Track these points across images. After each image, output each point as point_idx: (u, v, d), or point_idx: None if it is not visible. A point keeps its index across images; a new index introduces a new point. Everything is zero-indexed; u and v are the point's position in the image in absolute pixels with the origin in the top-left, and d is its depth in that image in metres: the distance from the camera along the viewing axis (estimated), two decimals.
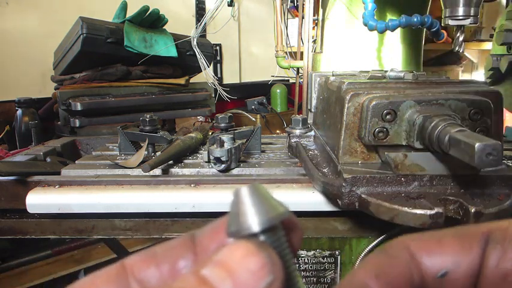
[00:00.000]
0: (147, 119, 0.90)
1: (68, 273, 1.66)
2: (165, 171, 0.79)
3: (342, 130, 0.61)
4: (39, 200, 0.69)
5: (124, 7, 1.43)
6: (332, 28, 1.10)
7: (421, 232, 0.25)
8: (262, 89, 2.21)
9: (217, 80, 1.61)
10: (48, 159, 0.91)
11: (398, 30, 1.03)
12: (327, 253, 0.75)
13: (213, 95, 1.52)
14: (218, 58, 2.47)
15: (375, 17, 0.89)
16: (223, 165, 0.76)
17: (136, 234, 0.74)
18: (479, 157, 0.42)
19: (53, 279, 1.61)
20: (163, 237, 0.75)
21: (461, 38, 0.86)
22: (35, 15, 1.81)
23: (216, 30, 1.53)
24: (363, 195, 0.56)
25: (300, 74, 1.26)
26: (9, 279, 1.57)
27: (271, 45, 1.29)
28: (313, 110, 0.88)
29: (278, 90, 2.13)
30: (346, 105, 0.60)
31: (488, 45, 2.46)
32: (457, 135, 0.47)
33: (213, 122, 0.94)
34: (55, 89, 1.36)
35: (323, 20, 1.13)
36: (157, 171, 0.78)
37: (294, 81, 1.42)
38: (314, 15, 1.13)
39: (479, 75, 2.90)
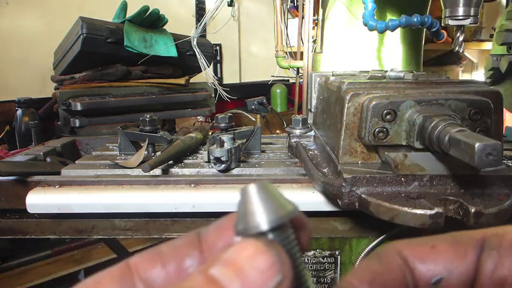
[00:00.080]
0: (147, 119, 0.90)
1: (68, 273, 1.66)
2: (165, 171, 0.79)
3: (342, 130, 0.61)
4: (39, 200, 0.69)
5: (124, 7, 1.43)
6: (332, 28, 1.10)
7: (414, 238, 0.25)
8: (262, 89, 2.21)
9: (217, 80, 1.61)
10: (48, 159, 0.91)
11: (398, 30, 1.03)
12: (327, 253, 0.75)
13: (213, 95, 1.53)
14: (218, 58, 2.48)
15: (375, 17, 0.89)
16: (223, 165, 0.76)
17: (136, 234, 0.74)
18: (479, 157, 0.42)
19: (53, 279, 1.61)
20: (163, 237, 0.75)
21: (461, 38, 0.86)
22: (35, 15, 1.81)
23: (216, 30, 1.53)
24: (363, 195, 0.56)
25: (300, 74, 1.26)
26: (9, 279, 1.57)
27: (271, 45, 1.29)
28: (313, 110, 0.88)
29: (278, 90, 2.13)
30: (346, 105, 0.60)
31: (488, 45, 2.46)
32: (457, 135, 0.47)
33: (213, 122, 0.94)
34: (55, 89, 1.36)
35: (323, 20, 1.13)
36: (157, 171, 0.78)
37: (294, 81, 1.42)
38: (314, 15, 1.13)
39: (479, 75, 2.90)
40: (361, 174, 0.57)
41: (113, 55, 1.31)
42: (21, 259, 1.63)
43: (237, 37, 2.58)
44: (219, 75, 2.49)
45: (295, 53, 1.30)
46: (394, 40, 1.06)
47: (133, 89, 1.36)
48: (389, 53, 1.07)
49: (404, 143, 0.58)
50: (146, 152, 0.87)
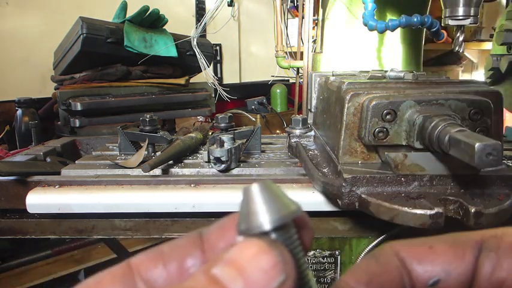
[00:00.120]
0: (147, 119, 0.90)
1: (68, 273, 1.66)
2: (165, 171, 0.79)
3: (342, 130, 0.61)
4: (39, 200, 0.69)
5: (124, 7, 1.43)
6: (332, 28, 1.10)
7: (412, 238, 0.25)
8: (262, 89, 2.21)
9: (217, 80, 1.61)
10: (48, 159, 0.91)
11: (398, 30, 1.03)
12: (327, 253, 0.75)
13: (213, 95, 1.53)
14: (218, 58, 2.47)
15: (375, 17, 0.89)
16: (223, 165, 0.76)
17: (136, 234, 0.74)
18: (479, 157, 0.42)
19: (53, 279, 1.61)
20: (163, 237, 0.75)
21: (461, 38, 0.86)
22: (35, 15, 1.81)
23: (216, 30, 1.53)
24: (363, 195, 0.56)
25: (300, 74, 1.26)
26: (9, 279, 1.57)
27: (271, 45, 1.29)
28: (313, 110, 0.88)
29: (278, 90, 2.13)
30: (346, 105, 0.60)
31: (488, 45, 2.46)
32: (457, 135, 0.47)
33: (213, 122, 0.94)
34: (55, 89, 1.36)
35: (323, 20, 1.13)
36: (157, 171, 0.78)
37: (294, 81, 1.42)
38: (314, 15, 1.13)
39: (479, 75, 2.90)
40: (361, 174, 0.57)
41: (113, 55, 1.31)
42: (21, 259, 1.63)
43: (237, 37, 2.58)
44: (219, 75, 2.49)
45: (295, 53, 1.30)
46: (394, 40, 1.06)
47: (133, 89, 1.36)
48: (390, 53, 1.07)
49: (404, 143, 0.58)
50: (146, 152, 0.87)
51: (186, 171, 0.79)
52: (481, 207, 0.51)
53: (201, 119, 1.55)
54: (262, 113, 1.95)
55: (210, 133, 1.03)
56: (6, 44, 1.72)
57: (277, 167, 0.80)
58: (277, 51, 1.24)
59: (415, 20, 0.87)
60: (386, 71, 0.74)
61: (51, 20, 1.83)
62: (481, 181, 0.56)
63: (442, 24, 0.85)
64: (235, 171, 0.78)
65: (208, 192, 0.70)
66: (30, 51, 1.77)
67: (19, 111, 1.36)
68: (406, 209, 0.52)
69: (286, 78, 2.05)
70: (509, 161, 0.78)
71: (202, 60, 1.29)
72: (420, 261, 0.24)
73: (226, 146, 0.75)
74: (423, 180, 0.57)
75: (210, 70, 1.36)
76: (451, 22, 0.80)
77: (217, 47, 2.45)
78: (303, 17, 1.20)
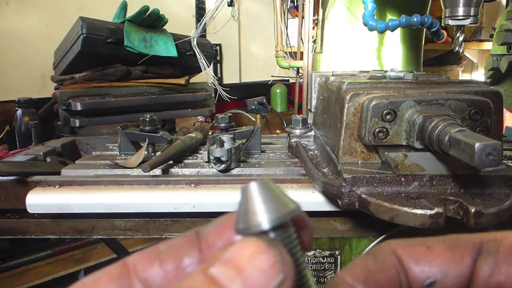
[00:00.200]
0: (147, 119, 0.90)
1: (68, 273, 1.66)
2: (165, 171, 0.79)
3: (342, 130, 0.61)
4: (39, 200, 0.69)
5: (124, 7, 1.43)
6: (332, 28, 1.10)
7: (410, 238, 0.25)
8: (262, 89, 2.21)
9: (217, 80, 1.61)
10: (48, 159, 0.91)
11: (398, 30, 1.03)
12: (327, 253, 0.75)
13: (213, 95, 1.53)
14: (218, 58, 2.48)
15: (375, 17, 0.89)
16: (223, 165, 0.76)
17: (136, 234, 0.74)
18: (479, 157, 0.42)
19: (53, 279, 1.62)
20: (163, 237, 0.75)
21: (461, 38, 0.86)
22: (35, 15, 1.81)
23: (216, 30, 1.53)
24: (363, 195, 0.56)
25: (300, 74, 1.26)
26: (9, 279, 1.57)
27: (271, 45, 1.29)
28: (313, 110, 0.88)
29: (278, 90, 2.13)
30: (346, 105, 0.60)
31: (488, 45, 2.46)
32: (457, 135, 0.47)
33: (213, 122, 0.94)
34: (55, 89, 1.36)
35: (323, 20, 1.13)
36: (157, 171, 0.78)
37: (294, 81, 1.42)
38: (314, 15, 1.13)
39: (479, 75, 2.90)
40: (361, 174, 0.57)
41: (113, 55, 1.31)
42: (21, 259, 1.63)
43: (237, 37, 2.58)
44: (219, 75, 2.49)
45: (295, 53, 1.30)
46: (394, 40, 1.06)
47: (133, 89, 1.36)
48: (389, 53, 1.07)
49: (404, 143, 0.58)
50: (146, 152, 0.87)
51: (186, 171, 0.79)
52: (481, 207, 0.51)
53: (201, 119, 1.55)
54: (262, 113, 1.95)
55: (210, 133, 1.03)
56: (6, 44, 1.73)
57: (277, 167, 0.80)
58: (277, 51, 1.24)
59: (415, 20, 0.87)
60: (386, 71, 0.74)
61: (51, 20, 1.83)
62: (481, 181, 0.56)
63: (442, 24, 0.85)
64: (235, 171, 0.78)
65: (208, 192, 0.70)
66: (30, 51, 1.77)
67: (19, 111, 1.36)
68: (406, 209, 0.52)
69: (286, 78, 2.06)
70: (509, 161, 0.78)
71: (202, 60, 1.29)
72: (417, 261, 0.23)
73: (226, 146, 0.75)
74: (423, 180, 0.57)
75: (210, 70, 1.36)
76: (451, 22, 0.80)
77: (217, 47, 2.45)
78: (303, 17, 1.20)
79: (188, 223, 0.74)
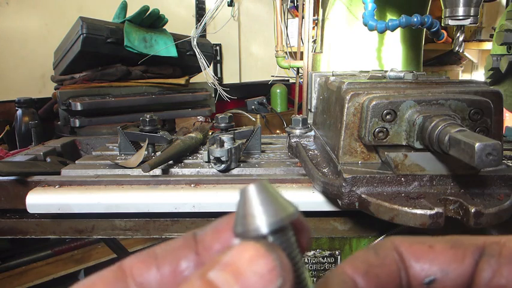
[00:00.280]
0: (147, 119, 0.90)
1: (68, 273, 1.66)
2: (165, 171, 0.79)
3: (342, 130, 0.61)
4: (39, 200, 0.69)
5: (124, 7, 1.43)
6: (332, 28, 1.10)
7: (412, 236, 0.25)
8: (262, 89, 2.21)
9: (217, 80, 1.61)
10: (48, 159, 0.91)
11: (399, 30, 1.03)
12: (327, 253, 0.75)
13: (213, 95, 1.53)
14: (218, 58, 2.48)
15: (375, 17, 0.89)
16: (223, 165, 0.76)
17: (136, 234, 0.74)
18: (479, 157, 0.42)
19: (53, 279, 1.62)
20: (163, 237, 0.75)
21: (461, 38, 0.86)
22: (35, 15, 1.81)
23: (216, 30, 1.53)
24: (363, 195, 0.56)
25: (300, 74, 1.26)
26: (9, 279, 1.57)
27: (271, 45, 1.29)
28: (313, 110, 0.88)
29: (278, 90, 2.13)
30: (346, 105, 0.60)
31: (488, 45, 2.46)
32: (457, 135, 0.47)
33: (213, 122, 0.94)
34: (55, 89, 1.36)
35: (323, 20, 1.13)
36: (157, 171, 0.78)
37: (294, 81, 1.42)
38: (314, 15, 1.13)
39: (479, 75, 2.90)
40: (361, 174, 0.57)
41: (113, 55, 1.31)
42: (21, 259, 1.63)
43: (237, 37, 2.58)
44: (219, 75, 2.49)
45: (295, 53, 1.30)
46: (394, 40, 1.06)
47: (133, 89, 1.36)
48: (389, 53, 1.07)
49: (404, 143, 0.58)
50: (146, 152, 0.87)
51: (186, 171, 0.79)
52: (481, 207, 0.51)
53: (201, 119, 1.55)
54: (262, 113, 1.95)
55: (210, 133, 1.03)
56: (6, 44, 1.73)
57: (277, 167, 0.80)
58: (277, 51, 1.24)
59: (415, 20, 0.87)
60: (386, 71, 0.74)
61: (51, 20, 1.83)
62: (481, 181, 0.56)
63: (442, 24, 0.85)
64: (235, 171, 0.78)
65: (208, 192, 0.70)
66: (30, 51, 1.77)
67: (19, 111, 1.36)
68: (406, 209, 0.52)
69: (286, 78, 2.06)
70: (509, 161, 0.78)
71: (202, 60, 1.29)
72: (418, 259, 0.23)
73: (226, 146, 0.75)
74: (423, 180, 0.57)
75: (210, 70, 1.36)
76: (451, 22, 0.80)
77: (217, 47, 2.45)
78: (303, 17, 1.20)
79: (188, 223, 0.74)
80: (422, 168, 0.57)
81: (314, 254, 0.75)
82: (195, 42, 1.26)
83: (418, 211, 0.51)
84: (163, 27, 1.44)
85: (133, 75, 1.35)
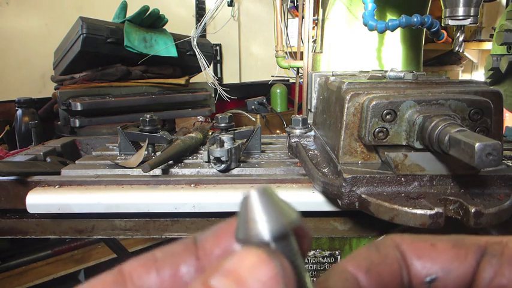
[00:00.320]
0: (147, 119, 0.90)
1: (68, 273, 1.66)
2: (165, 171, 0.79)
3: (342, 130, 0.61)
4: (39, 200, 0.69)
5: (124, 7, 1.43)
6: (332, 28, 1.10)
7: (413, 234, 0.25)
8: (262, 89, 2.21)
9: (217, 80, 1.61)
10: (48, 159, 0.91)
11: (399, 30, 1.03)
12: (327, 253, 0.75)
13: (213, 95, 1.53)
14: (218, 58, 2.48)
15: (375, 17, 0.89)
16: (223, 165, 0.76)
17: (136, 234, 0.74)
18: (479, 157, 0.42)
19: (53, 279, 1.62)
20: (163, 237, 0.75)
21: (461, 38, 0.86)
22: (35, 15, 1.81)
23: (216, 30, 1.53)
24: (363, 195, 0.56)
25: (300, 74, 1.26)
26: (9, 279, 1.57)
27: (271, 45, 1.29)
28: (313, 110, 0.88)
29: (278, 90, 2.13)
30: (346, 105, 0.60)
31: (488, 45, 2.46)
32: (457, 135, 0.47)
33: (213, 122, 0.94)
34: (55, 89, 1.36)
35: (323, 20, 1.13)
36: (157, 171, 0.78)
37: (294, 81, 1.42)
38: (314, 15, 1.13)
39: (479, 75, 2.90)
40: (361, 174, 0.57)
41: (113, 55, 1.31)
42: (21, 259, 1.63)
43: (237, 37, 2.58)
44: (219, 75, 2.49)
45: (295, 53, 1.30)
46: (394, 40, 1.06)
47: (133, 89, 1.36)
48: (389, 53, 1.07)
49: (404, 143, 0.58)
50: (146, 152, 0.87)
51: (186, 171, 0.79)
52: (481, 207, 0.51)
53: (201, 119, 1.55)
54: (262, 113, 1.95)
55: (210, 133, 1.03)
56: (6, 44, 1.73)
57: (277, 167, 0.80)
58: (277, 51, 1.24)
59: (415, 20, 0.87)
60: (386, 71, 0.74)
61: (51, 20, 1.83)
62: (481, 181, 0.56)
63: (442, 24, 0.85)
64: (235, 171, 0.78)
65: (208, 192, 0.70)
66: (30, 51, 1.77)
67: (19, 111, 1.36)
68: (406, 209, 0.52)
69: (286, 78, 2.06)
70: (509, 161, 0.78)
71: (202, 60, 1.29)
72: (420, 257, 0.23)
73: (226, 146, 0.75)
74: (423, 180, 0.57)
75: (210, 70, 1.36)
76: (451, 22, 0.80)
77: (217, 47, 2.45)
78: (303, 17, 1.20)
79: (188, 223, 0.74)
80: (422, 168, 0.57)
81: (314, 254, 0.75)
82: (195, 42, 1.26)
83: (418, 211, 0.51)
84: (163, 27, 1.44)
85: (133, 75, 1.35)
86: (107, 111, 1.28)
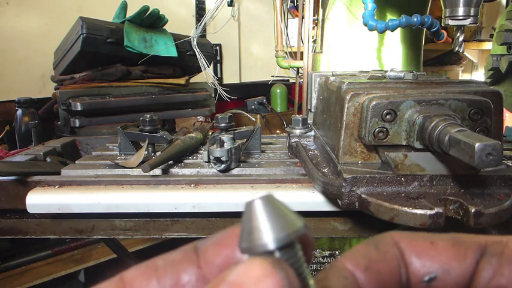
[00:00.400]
0: (147, 119, 0.90)
1: (68, 273, 1.66)
2: (165, 171, 0.79)
3: (342, 130, 0.61)
4: (39, 200, 0.69)
5: (124, 7, 1.43)
6: (332, 28, 1.10)
7: (413, 232, 0.24)
8: (262, 89, 2.21)
9: (217, 80, 1.61)
10: (48, 159, 0.91)
11: (399, 30, 1.03)
12: (327, 253, 0.75)
13: (213, 95, 1.53)
14: (218, 58, 2.48)
15: (375, 17, 0.89)
16: (223, 165, 0.76)
17: (136, 234, 0.74)
18: (479, 157, 0.42)
19: (53, 279, 1.62)
20: (163, 237, 0.75)
21: (461, 38, 0.86)
22: (35, 15, 1.81)
23: (216, 30, 1.53)
24: (363, 195, 0.56)
25: (300, 74, 1.26)
26: (9, 279, 1.57)
27: (271, 45, 1.29)
28: (313, 110, 0.88)
29: (278, 90, 2.13)
30: (346, 105, 0.60)
31: (488, 45, 2.46)
32: (457, 135, 0.47)
33: (213, 122, 0.94)
34: (55, 89, 1.36)
35: (323, 20, 1.13)
36: (157, 171, 0.78)
37: (294, 81, 1.42)
38: (314, 15, 1.13)
39: (479, 75, 2.90)
40: (361, 174, 0.57)
41: (113, 55, 1.31)
42: (21, 259, 1.63)
43: (237, 37, 2.58)
44: (219, 75, 2.49)
45: (295, 53, 1.30)
46: (394, 40, 1.06)
47: (133, 89, 1.36)
48: (389, 53, 1.07)
49: (404, 143, 0.58)
50: (146, 152, 0.87)
51: (186, 171, 0.79)
52: (481, 207, 0.51)
53: (201, 119, 1.55)
54: (262, 113, 1.95)
55: (210, 133, 1.03)
56: (6, 44, 1.73)
57: (277, 167, 0.80)
58: (277, 51, 1.24)
59: (415, 20, 0.87)
60: (386, 71, 0.74)
61: (51, 20, 1.83)
62: (481, 181, 0.56)
63: (442, 24, 0.85)
64: (235, 171, 0.78)
65: (208, 192, 0.70)
66: (30, 51, 1.77)
67: (19, 111, 1.36)
68: (406, 209, 0.52)
69: (286, 78, 2.06)
70: (509, 161, 0.78)
71: (202, 60, 1.29)
72: (419, 256, 0.23)
73: (226, 146, 0.75)
74: (423, 180, 0.57)
75: (210, 70, 1.36)
76: (451, 22, 0.80)
77: (217, 47, 2.45)
78: (303, 17, 1.20)
79: (188, 223, 0.74)
80: (422, 168, 0.57)
81: (314, 254, 0.75)
82: (195, 42, 1.26)
83: (418, 211, 0.51)
84: (163, 27, 1.44)
85: (133, 75, 1.35)
86: (107, 111, 1.28)
